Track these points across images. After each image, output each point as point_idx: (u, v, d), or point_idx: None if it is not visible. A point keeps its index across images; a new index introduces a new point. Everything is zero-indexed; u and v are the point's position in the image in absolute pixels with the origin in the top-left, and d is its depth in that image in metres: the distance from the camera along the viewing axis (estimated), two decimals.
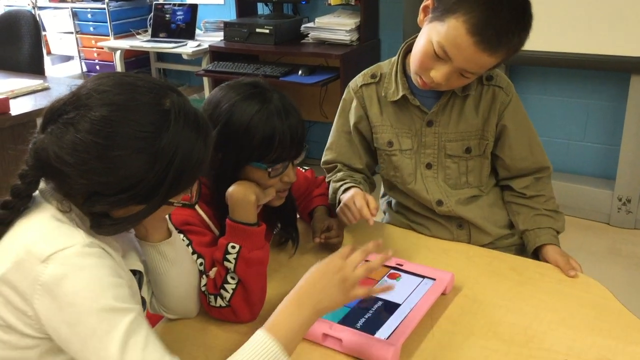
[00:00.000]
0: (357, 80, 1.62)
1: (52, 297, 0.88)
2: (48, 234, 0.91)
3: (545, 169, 1.60)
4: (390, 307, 1.22)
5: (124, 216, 0.97)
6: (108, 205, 0.94)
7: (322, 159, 1.71)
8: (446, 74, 1.36)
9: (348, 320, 1.18)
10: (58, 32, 4.79)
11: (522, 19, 1.31)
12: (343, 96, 1.66)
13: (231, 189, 1.23)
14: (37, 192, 0.98)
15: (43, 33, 4.38)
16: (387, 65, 1.59)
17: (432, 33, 1.35)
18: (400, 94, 1.52)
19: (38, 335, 0.92)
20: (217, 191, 1.25)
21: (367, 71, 1.62)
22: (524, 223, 1.56)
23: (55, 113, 0.93)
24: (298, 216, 1.52)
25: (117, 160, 0.90)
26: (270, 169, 1.24)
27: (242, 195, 1.22)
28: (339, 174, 1.64)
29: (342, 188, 1.55)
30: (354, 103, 1.61)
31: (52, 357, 0.95)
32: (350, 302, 1.07)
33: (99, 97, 0.91)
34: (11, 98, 2.63)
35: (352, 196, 1.44)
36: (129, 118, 0.90)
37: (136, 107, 0.92)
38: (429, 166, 1.57)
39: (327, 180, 1.66)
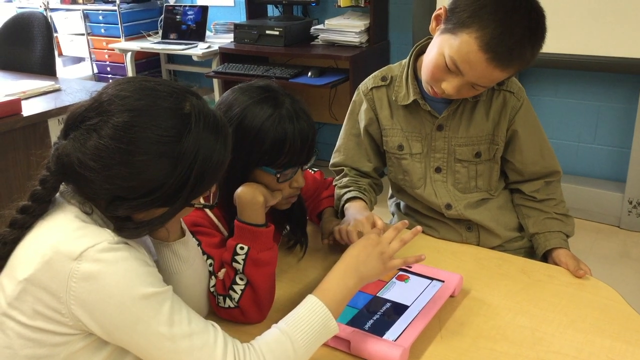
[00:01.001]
0: (368, 82, 1.62)
1: (89, 292, 0.90)
2: (74, 232, 0.93)
3: (556, 173, 1.59)
4: (399, 309, 1.22)
5: (146, 219, 0.99)
6: (130, 209, 0.96)
7: (331, 162, 1.71)
8: (457, 86, 1.36)
9: (356, 321, 1.18)
10: (69, 33, 4.82)
11: (535, 34, 1.30)
12: (353, 98, 1.65)
13: (239, 190, 1.23)
14: (57, 194, 1.00)
15: (55, 35, 4.42)
16: (397, 68, 1.59)
17: (444, 45, 1.34)
18: (411, 98, 1.52)
19: (71, 332, 0.94)
20: (227, 193, 1.26)
21: (378, 73, 1.61)
22: (534, 226, 1.56)
23: (77, 119, 0.95)
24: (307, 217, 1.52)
25: (140, 165, 0.92)
26: (279, 175, 1.24)
27: (251, 197, 1.22)
28: (345, 180, 1.63)
29: (346, 197, 1.54)
30: (364, 106, 1.61)
31: (81, 356, 0.97)
32: (389, 271, 1.17)
33: (121, 102, 0.93)
34: (23, 99, 2.65)
35: (360, 222, 1.37)
36: (151, 123, 0.92)
37: (157, 112, 0.93)
38: (438, 170, 1.57)
39: (334, 184, 1.65)
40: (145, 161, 0.92)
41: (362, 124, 1.62)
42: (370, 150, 1.65)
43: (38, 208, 0.97)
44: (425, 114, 1.54)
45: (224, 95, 1.29)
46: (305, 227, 1.48)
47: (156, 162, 0.92)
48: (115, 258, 0.92)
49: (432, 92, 1.44)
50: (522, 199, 1.60)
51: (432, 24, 1.41)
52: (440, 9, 1.38)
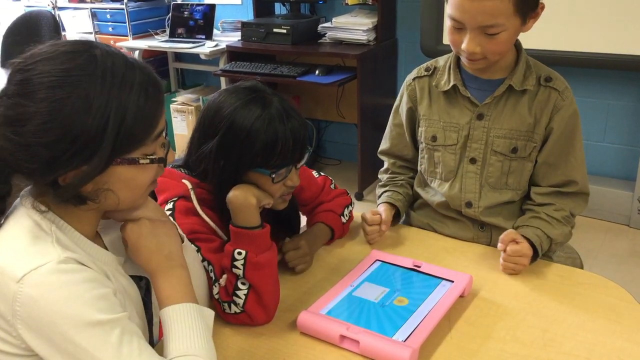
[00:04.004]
0: (412, 73, 1.66)
1: (32, 317, 0.86)
2: (21, 251, 0.89)
3: (573, 184, 1.51)
4: (408, 309, 1.21)
5: (74, 179, 0.91)
6: (61, 170, 0.89)
7: (379, 149, 1.78)
8: (471, 40, 1.39)
9: (366, 321, 1.18)
10: (77, 32, 4.82)
11: None
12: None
13: (231, 194, 1.22)
14: (18, 200, 0.96)
15: (63, 33, 4.42)
16: (444, 59, 1.62)
17: (447, 13, 1.41)
18: (451, 83, 1.53)
19: (26, 353, 0.90)
20: (221, 197, 1.24)
21: (424, 64, 1.66)
22: (517, 222, 1.51)
23: None
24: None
25: (49, 111, 0.86)
26: (273, 175, 1.23)
27: (243, 200, 1.21)
28: (385, 177, 1.73)
29: (378, 202, 1.67)
30: (405, 97, 1.65)
31: None
32: (166, 215, 1.07)
33: (23, 62, 0.90)
34: None
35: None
36: (50, 65, 0.88)
37: (57, 55, 0.89)
38: (473, 161, 1.55)
39: (379, 176, 1.74)
40: (57, 104, 0.86)
41: (403, 116, 1.67)
42: (411, 140, 1.69)
43: None
44: (465, 101, 1.54)
45: (211, 99, 1.27)
46: (297, 228, 1.47)
47: (68, 105, 0.86)
48: (60, 282, 0.87)
49: (466, 63, 1.48)
50: (526, 204, 1.56)
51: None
52: None
